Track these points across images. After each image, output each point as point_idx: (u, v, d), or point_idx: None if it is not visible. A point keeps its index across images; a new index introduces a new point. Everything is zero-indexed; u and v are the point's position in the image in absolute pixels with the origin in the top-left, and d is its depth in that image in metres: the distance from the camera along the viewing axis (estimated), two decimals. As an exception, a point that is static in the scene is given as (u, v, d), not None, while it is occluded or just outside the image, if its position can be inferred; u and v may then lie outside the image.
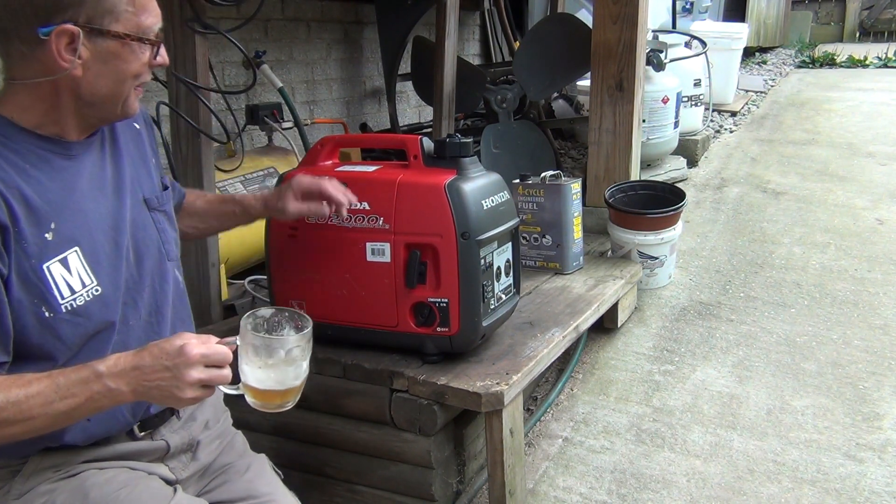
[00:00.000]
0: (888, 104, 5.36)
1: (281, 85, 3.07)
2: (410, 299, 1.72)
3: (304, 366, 1.18)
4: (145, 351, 1.11)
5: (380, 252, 1.72)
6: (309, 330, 1.17)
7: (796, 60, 7.77)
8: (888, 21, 9.76)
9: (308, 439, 1.92)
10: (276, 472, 1.49)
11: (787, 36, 9.10)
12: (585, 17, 4.13)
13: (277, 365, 1.15)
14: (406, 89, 4.39)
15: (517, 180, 2.53)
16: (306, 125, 3.21)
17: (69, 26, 1.13)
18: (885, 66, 7.24)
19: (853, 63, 7.40)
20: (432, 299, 1.71)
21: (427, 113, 4.46)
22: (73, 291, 1.17)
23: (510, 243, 1.85)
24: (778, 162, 4.25)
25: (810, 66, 7.49)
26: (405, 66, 4.05)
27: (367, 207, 1.72)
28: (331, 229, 1.76)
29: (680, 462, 2.04)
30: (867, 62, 7.38)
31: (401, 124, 4.19)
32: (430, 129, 3.85)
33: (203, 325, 2.17)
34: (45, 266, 1.15)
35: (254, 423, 1.95)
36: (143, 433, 1.32)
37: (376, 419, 1.81)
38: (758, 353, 2.50)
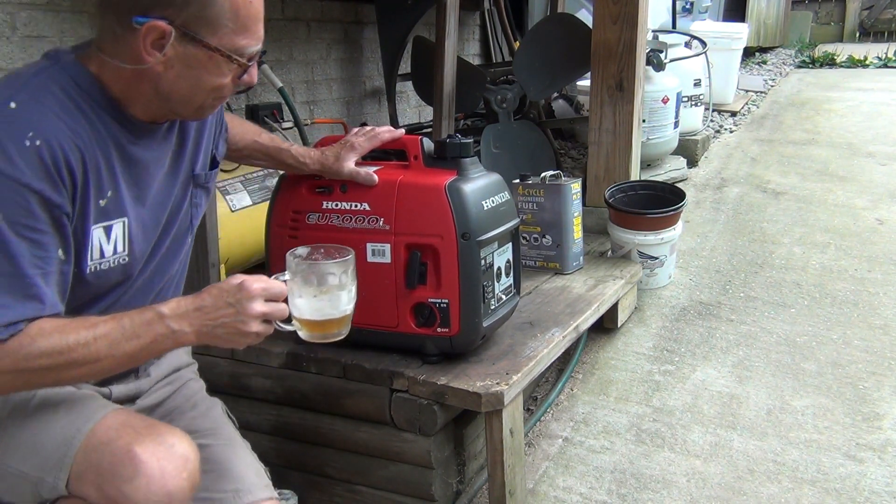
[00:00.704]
0: (888, 104, 5.36)
1: (281, 85, 3.07)
2: (411, 300, 1.72)
3: (354, 289, 1.22)
4: (204, 293, 1.14)
5: (380, 253, 1.72)
6: (352, 255, 1.21)
7: (796, 60, 7.77)
8: (888, 21, 9.76)
9: (308, 439, 1.92)
10: (229, 416, 1.50)
11: (787, 36, 9.10)
12: (585, 17, 4.13)
13: (331, 290, 1.18)
14: (406, 89, 4.39)
15: (517, 180, 2.53)
16: (306, 125, 3.20)
17: (163, 24, 1.12)
18: (885, 66, 7.24)
19: (853, 63, 7.40)
20: (433, 300, 1.71)
21: (427, 113, 4.45)
22: (103, 256, 1.20)
23: (510, 244, 1.85)
24: (778, 162, 4.25)
25: (810, 66, 7.49)
26: (405, 66, 4.05)
27: (368, 208, 1.72)
28: (331, 230, 1.76)
29: (680, 462, 2.04)
30: (867, 62, 7.38)
31: (401, 124, 4.19)
32: (430, 129, 3.85)
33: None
34: (91, 228, 1.17)
35: (254, 423, 1.95)
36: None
37: (376, 419, 1.81)
38: (758, 353, 2.50)
